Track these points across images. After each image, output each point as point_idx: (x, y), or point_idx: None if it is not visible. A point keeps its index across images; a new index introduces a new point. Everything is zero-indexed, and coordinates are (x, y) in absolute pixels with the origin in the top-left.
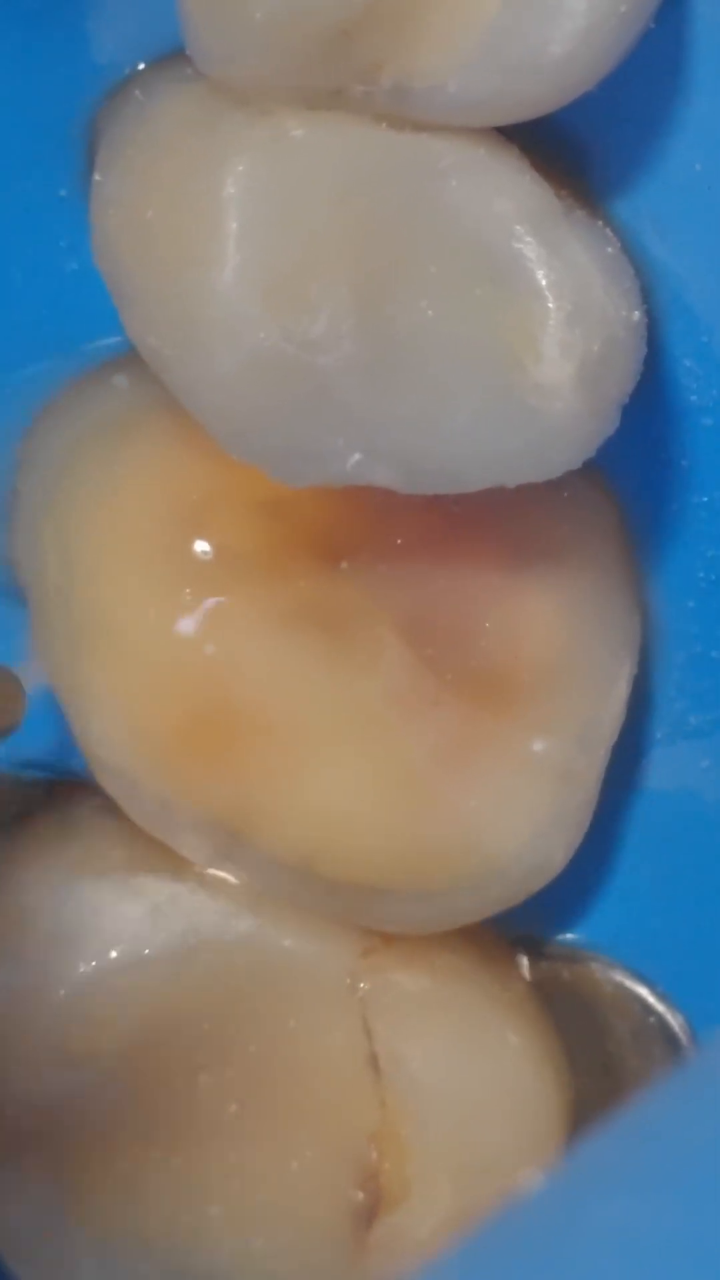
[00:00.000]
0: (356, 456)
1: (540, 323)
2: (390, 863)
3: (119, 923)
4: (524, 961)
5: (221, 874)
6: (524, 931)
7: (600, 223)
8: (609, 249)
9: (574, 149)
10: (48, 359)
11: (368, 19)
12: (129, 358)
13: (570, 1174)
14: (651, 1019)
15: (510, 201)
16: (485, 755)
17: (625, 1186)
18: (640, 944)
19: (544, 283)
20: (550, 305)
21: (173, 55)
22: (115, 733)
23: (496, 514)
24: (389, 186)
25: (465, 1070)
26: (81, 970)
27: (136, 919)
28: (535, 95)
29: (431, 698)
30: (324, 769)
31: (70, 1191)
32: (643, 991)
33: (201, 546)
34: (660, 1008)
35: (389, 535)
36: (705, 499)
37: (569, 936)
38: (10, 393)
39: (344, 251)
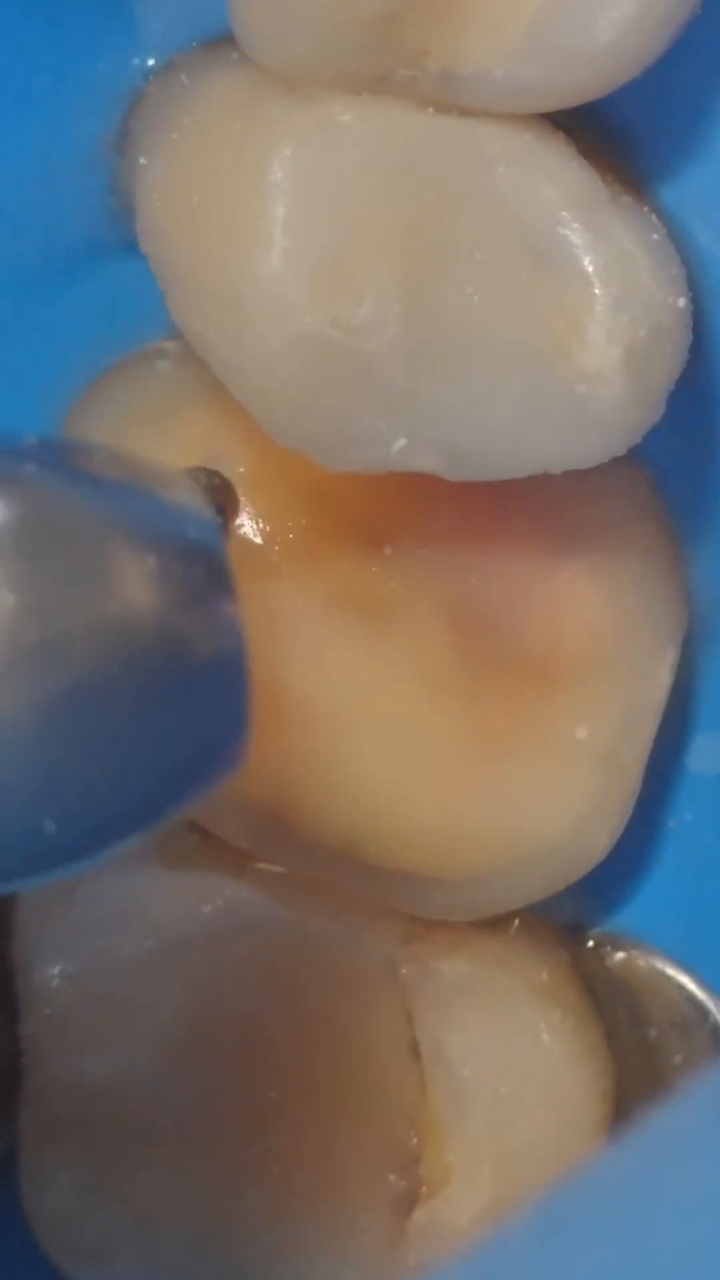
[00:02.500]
0: (401, 442)
1: (586, 309)
2: (432, 849)
3: (160, 910)
4: (565, 949)
5: (264, 864)
6: (566, 919)
7: (646, 209)
8: (655, 235)
9: (620, 135)
10: (92, 343)
11: (414, 4)
12: (174, 342)
13: (641, 1143)
14: (693, 1006)
15: (557, 188)
16: (527, 742)
17: (697, 1156)
18: (683, 931)
19: (590, 269)
20: (596, 291)
21: (219, 39)
22: None
23: (540, 500)
24: (435, 172)
25: (506, 1057)
26: (123, 956)
27: (178, 906)
28: (582, 82)
29: (473, 683)
30: (366, 754)
31: (109, 1176)
32: (685, 979)
33: (245, 532)
34: (702, 995)
35: (432, 521)
36: None
37: (611, 924)
38: (55, 376)
39: (390, 237)
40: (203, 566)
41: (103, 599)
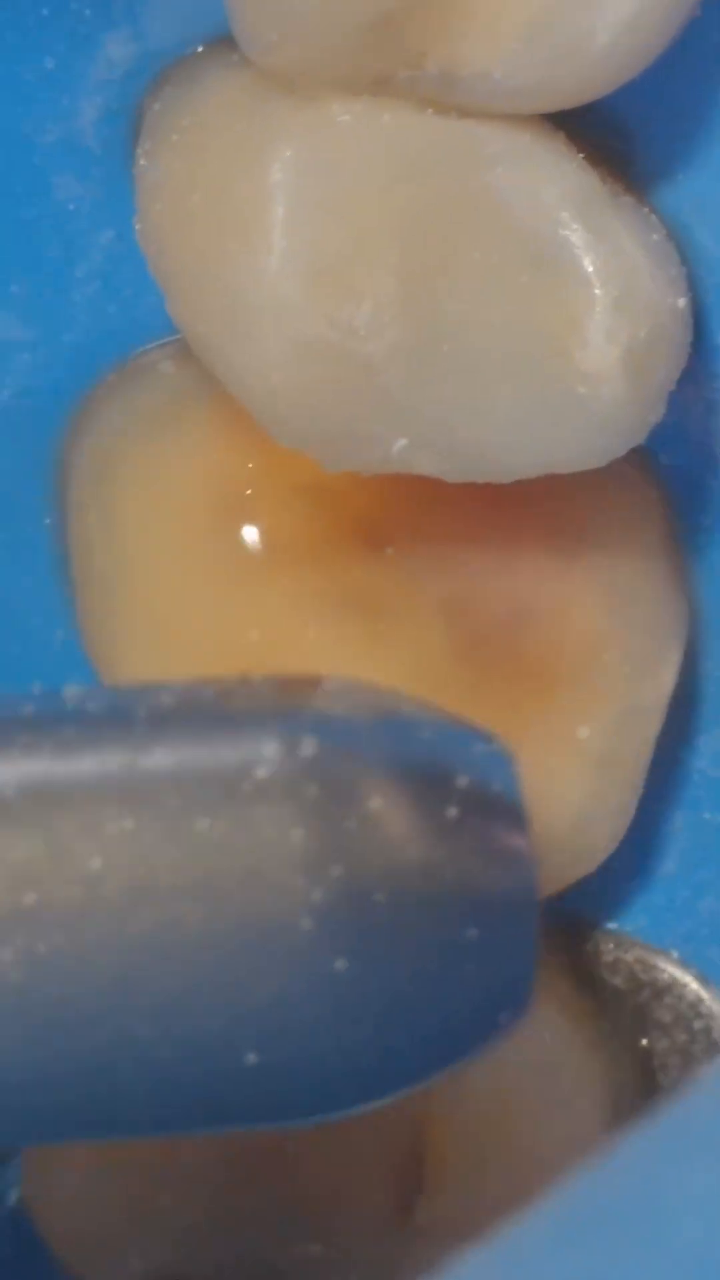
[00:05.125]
0: (401, 443)
1: (586, 309)
2: None
3: None
4: (568, 948)
5: None
6: (568, 918)
7: (646, 209)
8: (655, 235)
9: (620, 135)
10: (93, 345)
11: (413, 6)
12: (175, 344)
13: (648, 1141)
14: (697, 1005)
15: (556, 188)
16: (528, 741)
17: (703, 1152)
18: (686, 931)
19: (590, 269)
20: (596, 291)
21: (219, 40)
22: None
23: (540, 500)
24: (435, 173)
25: (507, 1056)
26: None
27: None
28: (581, 82)
29: (474, 684)
30: None
31: (113, 1171)
32: (687, 979)
33: (246, 532)
34: (705, 995)
35: (434, 521)
36: None
37: (614, 923)
38: (57, 378)
39: (390, 238)
40: (496, 804)
41: (398, 843)
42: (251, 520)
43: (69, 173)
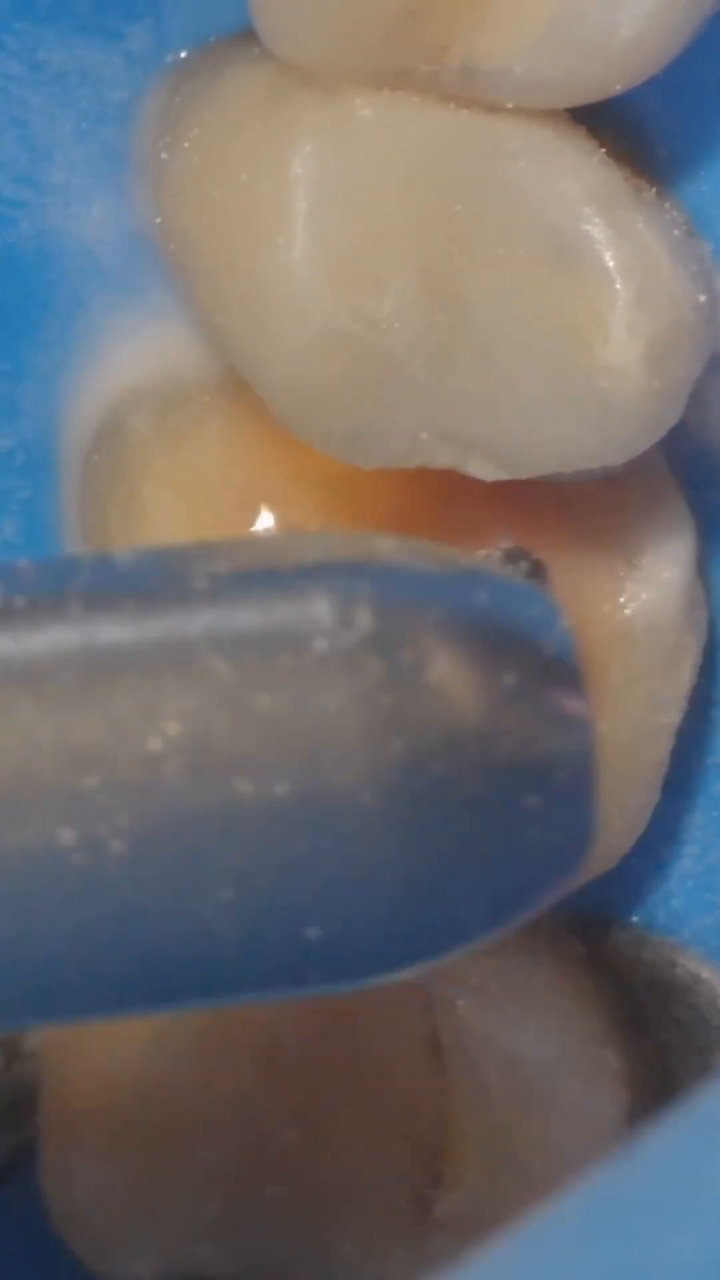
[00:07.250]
0: (422, 437)
1: (608, 304)
2: None
3: None
4: (587, 944)
5: None
6: (588, 913)
7: (667, 205)
8: (676, 231)
9: (642, 130)
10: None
11: None
12: (196, 335)
13: (670, 1134)
14: (715, 1001)
15: (578, 183)
16: None
17: None
18: (705, 927)
19: (611, 264)
20: (618, 287)
21: (240, 34)
22: None
23: (563, 497)
24: (457, 167)
25: (526, 1052)
26: None
27: None
28: (603, 77)
29: None
30: None
31: (131, 1169)
32: (706, 974)
33: (267, 527)
34: None
35: (453, 517)
36: None
37: (634, 918)
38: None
39: (412, 232)
40: (553, 665)
41: (458, 714)
42: (272, 515)
43: (85, 166)
